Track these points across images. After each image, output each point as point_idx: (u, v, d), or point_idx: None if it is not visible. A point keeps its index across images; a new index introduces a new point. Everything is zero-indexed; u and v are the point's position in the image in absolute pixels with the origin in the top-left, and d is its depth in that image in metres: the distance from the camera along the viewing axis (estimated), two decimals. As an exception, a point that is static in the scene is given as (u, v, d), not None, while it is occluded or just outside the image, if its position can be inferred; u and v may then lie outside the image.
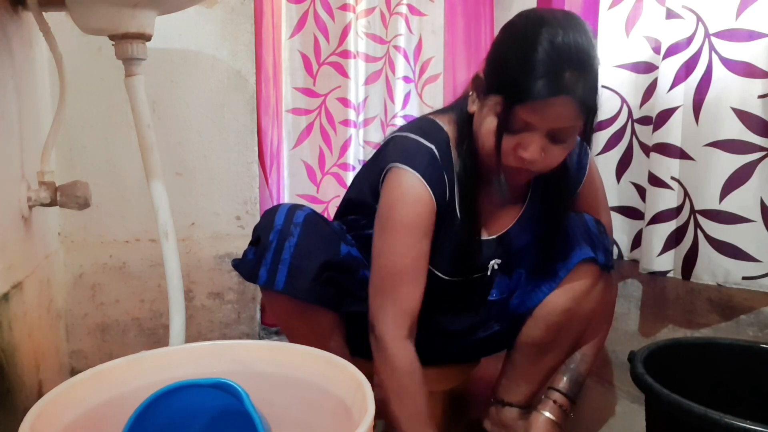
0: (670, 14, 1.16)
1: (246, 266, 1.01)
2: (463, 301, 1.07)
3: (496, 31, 1.85)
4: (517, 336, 1.06)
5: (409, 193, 0.92)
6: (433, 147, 0.94)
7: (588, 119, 0.85)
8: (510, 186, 0.94)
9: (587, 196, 1.06)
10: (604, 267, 0.99)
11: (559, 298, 0.99)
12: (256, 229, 1.03)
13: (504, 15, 1.80)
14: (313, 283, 0.97)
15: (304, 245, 0.97)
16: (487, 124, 0.88)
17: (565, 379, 1.05)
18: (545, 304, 1.00)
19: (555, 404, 1.04)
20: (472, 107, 0.93)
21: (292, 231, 0.98)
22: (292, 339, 1.06)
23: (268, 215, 1.02)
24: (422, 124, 1.00)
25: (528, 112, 0.82)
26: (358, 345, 1.01)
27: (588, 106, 0.83)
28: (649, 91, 1.27)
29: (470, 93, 0.94)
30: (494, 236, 1.03)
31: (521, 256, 1.04)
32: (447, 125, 0.98)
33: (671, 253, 1.20)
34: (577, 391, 1.06)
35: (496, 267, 1.03)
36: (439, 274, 1.00)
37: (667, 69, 1.17)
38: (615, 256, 1.37)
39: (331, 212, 1.71)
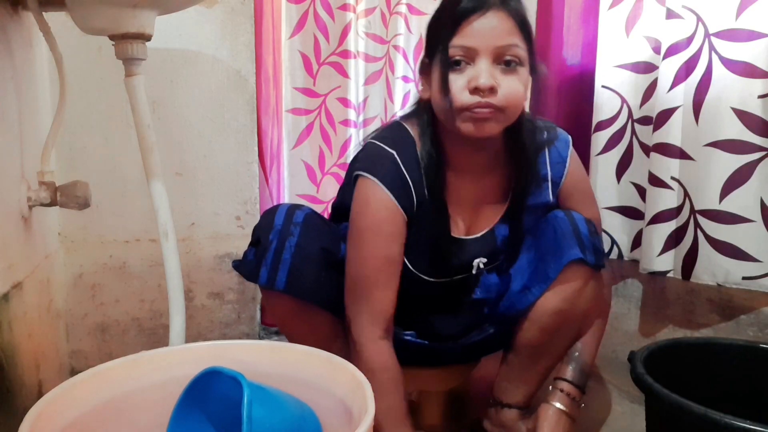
0: (670, 14, 1.16)
1: (246, 267, 1.01)
2: (453, 303, 1.06)
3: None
4: (513, 338, 1.05)
5: (371, 200, 0.94)
6: (394, 152, 0.95)
7: (527, 40, 0.87)
8: (482, 143, 0.93)
9: (571, 190, 1.04)
10: (595, 267, 0.97)
11: (550, 300, 0.97)
12: (255, 230, 1.03)
13: (504, 15, 1.79)
14: (314, 283, 0.97)
15: (305, 245, 0.97)
16: (435, 85, 0.90)
17: (570, 368, 1.03)
18: (538, 306, 0.98)
19: (563, 393, 1.01)
20: (426, 93, 0.95)
21: (292, 231, 0.98)
22: (292, 339, 1.05)
23: (268, 215, 1.02)
24: (389, 128, 1.02)
25: (464, 38, 0.84)
26: None
27: (520, 17, 0.86)
28: (649, 91, 1.27)
29: (420, 82, 0.97)
30: (478, 235, 1.02)
31: (507, 255, 1.03)
32: (412, 127, 0.99)
33: (671, 253, 1.20)
34: (585, 380, 1.04)
35: (481, 266, 1.02)
36: (421, 276, 1.00)
37: (667, 69, 1.17)
38: (614, 253, 1.37)
39: (331, 212, 1.71)
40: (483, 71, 0.84)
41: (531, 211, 1.02)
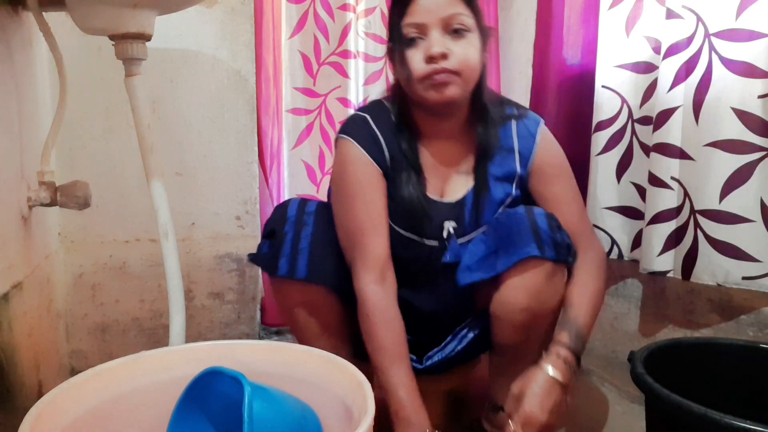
0: (670, 14, 1.16)
1: (264, 259, 1.03)
2: (427, 272, 1.05)
3: (499, 30, 1.84)
4: (492, 340, 1.04)
5: (346, 157, 1.02)
6: (367, 115, 1.04)
7: (471, 8, 0.95)
8: (447, 111, 1.00)
9: (544, 167, 1.04)
10: (558, 261, 0.94)
11: (512, 296, 0.95)
12: (269, 223, 1.05)
13: (504, 15, 1.80)
14: (334, 269, 1.00)
15: (320, 233, 1.01)
16: (399, 64, 0.98)
17: (566, 333, 0.92)
18: (502, 304, 0.96)
19: (559, 359, 0.88)
20: (395, 74, 1.03)
21: (306, 220, 1.02)
22: (301, 336, 1.05)
23: (280, 209, 1.05)
24: (368, 102, 1.12)
25: (413, 16, 0.94)
26: (362, 348, 1.00)
27: None
28: (649, 91, 1.27)
29: (390, 66, 1.06)
30: (453, 200, 1.04)
31: (471, 224, 1.04)
32: (387, 101, 1.07)
33: (671, 253, 1.20)
34: (581, 347, 0.93)
35: (451, 230, 1.03)
36: (396, 227, 1.03)
37: (667, 69, 1.17)
38: (614, 253, 1.37)
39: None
40: (434, 41, 0.93)
41: (499, 181, 1.05)
